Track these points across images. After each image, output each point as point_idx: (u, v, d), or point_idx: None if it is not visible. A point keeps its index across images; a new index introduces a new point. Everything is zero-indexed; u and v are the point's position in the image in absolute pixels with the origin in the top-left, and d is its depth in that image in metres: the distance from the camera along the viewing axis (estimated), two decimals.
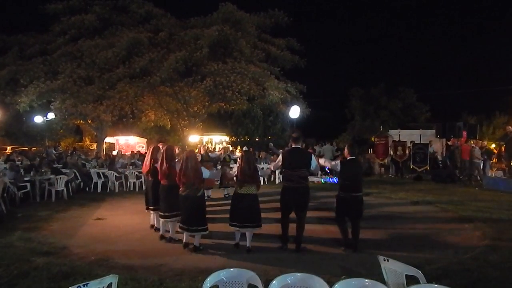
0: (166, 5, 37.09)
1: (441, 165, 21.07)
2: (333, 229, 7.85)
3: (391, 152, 20.75)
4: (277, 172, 17.00)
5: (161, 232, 8.11)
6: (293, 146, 7.44)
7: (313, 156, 7.54)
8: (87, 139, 37.65)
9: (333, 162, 8.13)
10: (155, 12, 22.67)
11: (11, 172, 12.63)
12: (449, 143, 18.85)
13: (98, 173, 15.51)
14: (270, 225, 8.17)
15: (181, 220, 7.29)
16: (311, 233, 7.97)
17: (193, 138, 27.78)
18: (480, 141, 21.36)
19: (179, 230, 7.45)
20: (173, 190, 7.53)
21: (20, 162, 16.10)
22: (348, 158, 7.45)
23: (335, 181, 8.09)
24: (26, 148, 28.15)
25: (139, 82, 19.94)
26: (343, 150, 8.02)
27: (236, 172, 7.35)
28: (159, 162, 7.89)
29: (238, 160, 8.01)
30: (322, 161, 8.39)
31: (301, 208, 7.20)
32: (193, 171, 7.06)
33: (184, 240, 7.31)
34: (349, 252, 7.05)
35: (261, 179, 8.14)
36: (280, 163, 7.37)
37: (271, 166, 8.18)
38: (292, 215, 7.28)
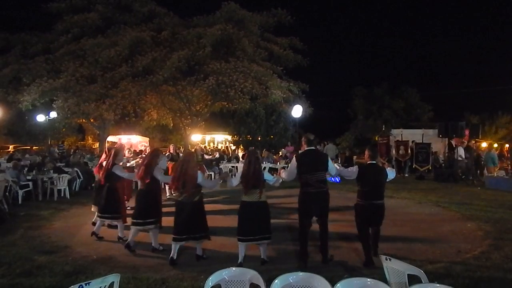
0: (169, 4, 37.27)
1: (443, 165, 21.05)
2: (335, 228, 7.85)
3: (394, 152, 20.73)
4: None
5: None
6: (306, 148, 6.71)
7: (329, 158, 6.80)
8: (89, 138, 37.75)
9: (342, 168, 7.51)
10: (158, 11, 22.67)
11: (13, 171, 12.65)
12: (453, 142, 18.82)
13: None
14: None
15: (176, 231, 6.56)
16: (311, 233, 7.98)
17: (196, 137, 27.82)
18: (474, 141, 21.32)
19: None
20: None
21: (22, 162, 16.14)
22: (368, 163, 6.81)
23: (337, 180, 7.51)
24: (28, 147, 28.23)
25: (141, 81, 19.94)
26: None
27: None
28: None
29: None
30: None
31: (324, 214, 6.54)
32: (187, 176, 6.43)
33: (171, 254, 6.54)
34: (353, 250, 7.04)
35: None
36: (295, 169, 6.54)
37: (282, 175, 6.94)
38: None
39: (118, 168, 7.91)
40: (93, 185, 11.83)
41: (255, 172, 6.35)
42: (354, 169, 6.76)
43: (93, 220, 9.04)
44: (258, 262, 6.47)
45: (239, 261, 6.36)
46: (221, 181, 7.72)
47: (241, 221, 6.39)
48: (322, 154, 7.40)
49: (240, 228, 6.38)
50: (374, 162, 6.84)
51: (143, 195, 7.21)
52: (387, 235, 8.21)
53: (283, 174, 6.94)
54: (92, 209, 9.22)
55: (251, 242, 6.40)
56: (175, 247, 6.50)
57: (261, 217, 6.34)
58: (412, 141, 20.82)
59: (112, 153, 8.00)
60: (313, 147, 6.81)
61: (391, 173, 6.86)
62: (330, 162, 6.60)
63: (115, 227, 8.39)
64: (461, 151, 18.16)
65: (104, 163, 8.34)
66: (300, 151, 7.14)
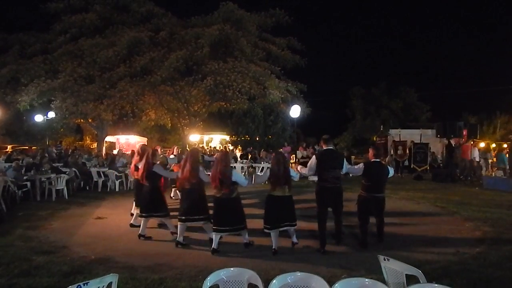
0: (167, 4, 37.24)
1: (441, 165, 21.08)
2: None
3: (392, 152, 20.76)
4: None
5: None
6: (324, 147, 7.45)
7: (344, 158, 7.68)
8: (87, 138, 37.66)
9: (350, 166, 7.96)
10: (156, 11, 22.68)
11: (12, 171, 12.64)
12: (452, 142, 18.87)
13: (98, 172, 15.51)
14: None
15: (214, 222, 7.10)
16: (311, 232, 7.98)
17: (194, 137, 27.80)
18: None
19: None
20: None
21: (21, 161, 16.10)
22: (372, 160, 7.60)
23: None
24: (27, 147, 28.16)
25: (139, 81, 19.95)
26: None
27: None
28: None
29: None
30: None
31: (339, 207, 7.31)
32: (223, 175, 6.92)
33: (213, 245, 7.05)
34: (352, 250, 7.06)
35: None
36: (314, 166, 7.23)
37: (301, 171, 7.75)
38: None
39: (158, 167, 8.26)
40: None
41: (285, 171, 7.02)
42: (361, 166, 7.55)
43: (131, 222, 9.07)
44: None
45: (274, 247, 7.00)
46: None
47: (269, 213, 7.07)
48: (339, 154, 8.14)
49: (269, 219, 7.03)
50: (378, 160, 7.66)
51: (189, 193, 7.46)
52: (385, 234, 8.23)
53: (303, 170, 7.70)
54: (135, 211, 9.20)
55: (277, 229, 7.00)
56: (216, 238, 7.04)
57: (289, 208, 7.07)
58: (411, 141, 20.86)
59: (150, 153, 8.21)
60: (331, 147, 7.52)
61: (391, 170, 7.81)
62: (345, 162, 7.46)
63: (163, 225, 8.62)
64: (475, 153, 18.22)
65: (139, 165, 8.49)
66: (318, 150, 7.82)
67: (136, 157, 9.01)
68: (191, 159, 7.49)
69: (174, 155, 13.66)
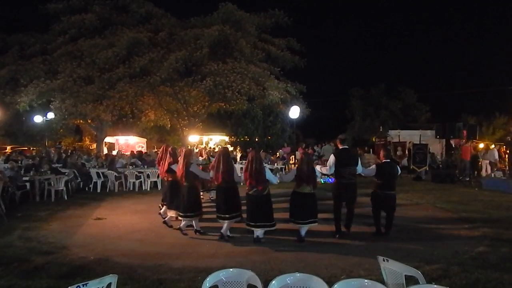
0: (166, 5, 37.17)
1: (440, 166, 21.09)
2: (331, 229, 7.89)
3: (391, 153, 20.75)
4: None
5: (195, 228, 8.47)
6: (340, 147, 8.27)
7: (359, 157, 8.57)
8: (87, 139, 37.58)
9: (363, 168, 8.51)
10: (155, 12, 22.70)
11: (11, 172, 12.62)
12: (452, 143, 18.87)
13: (97, 173, 15.50)
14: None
15: (250, 219, 7.62)
16: (312, 232, 7.98)
17: (193, 138, 27.79)
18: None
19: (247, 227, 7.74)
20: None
21: (20, 162, 16.10)
22: (383, 161, 8.33)
23: (330, 180, 8.65)
24: (25, 148, 28.13)
25: (139, 82, 19.96)
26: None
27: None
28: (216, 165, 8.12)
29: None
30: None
31: (352, 200, 8.11)
32: (259, 173, 7.45)
33: (254, 235, 7.65)
34: (351, 251, 7.06)
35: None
36: (332, 163, 7.97)
37: (322, 170, 8.46)
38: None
39: (195, 167, 8.58)
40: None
41: (313, 170, 7.75)
42: (373, 167, 8.36)
43: (165, 220, 9.14)
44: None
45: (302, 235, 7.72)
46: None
47: (295, 208, 7.69)
48: (354, 153, 9.02)
49: (293, 213, 7.72)
50: (389, 160, 8.44)
51: (224, 191, 7.94)
52: (384, 236, 8.24)
53: (324, 169, 8.39)
54: (171, 214, 9.09)
55: (303, 225, 7.66)
56: (255, 232, 7.62)
57: (313, 204, 7.67)
58: (409, 142, 20.87)
59: (184, 153, 8.35)
60: (346, 146, 8.34)
61: (399, 169, 8.55)
62: (359, 161, 8.22)
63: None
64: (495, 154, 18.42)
65: (173, 165, 8.73)
66: (335, 149, 8.71)
67: (168, 159, 8.96)
68: (224, 159, 7.89)
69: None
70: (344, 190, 8.01)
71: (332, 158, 8.07)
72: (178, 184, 8.54)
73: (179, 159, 8.60)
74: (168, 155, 8.95)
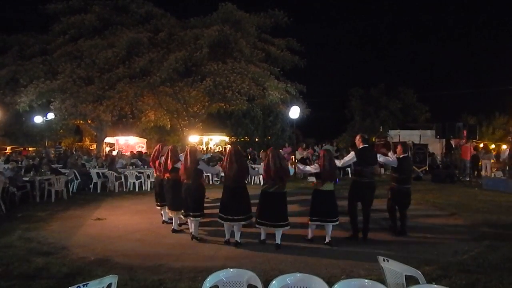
0: (166, 5, 37.18)
1: (440, 166, 21.10)
2: (336, 229, 7.88)
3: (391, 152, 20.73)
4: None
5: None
6: (361, 145, 8.02)
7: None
8: (87, 139, 37.64)
9: (387, 158, 8.52)
10: (155, 12, 22.69)
11: (11, 172, 12.63)
12: (452, 143, 18.88)
13: (97, 173, 15.50)
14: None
15: (261, 216, 7.37)
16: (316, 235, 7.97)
17: (193, 138, 27.79)
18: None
19: (257, 226, 7.49)
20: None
21: (20, 162, 16.10)
22: (401, 156, 8.28)
23: (337, 181, 8.36)
24: (22, 148, 28.14)
25: (139, 82, 19.94)
26: (351, 149, 8.67)
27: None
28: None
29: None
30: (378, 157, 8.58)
31: (369, 202, 7.95)
32: (283, 170, 7.30)
33: (261, 237, 7.59)
34: (351, 251, 7.06)
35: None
36: (351, 160, 7.91)
37: (338, 162, 8.09)
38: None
39: (203, 164, 8.40)
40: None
41: (335, 167, 7.63)
42: (395, 159, 8.27)
43: (171, 223, 8.85)
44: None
45: (328, 240, 7.52)
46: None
47: (316, 206, 7.53)
48: (374, 152, 8.70)
49: (316, 212, 7.52)
50: (407, 154, 8.54)
51: (233, 192, 7.52)
52: (384, 235, 8.25)
53: (338, 162, 8.01)
54: (172, 214, 8.75)
55: (324, 223, 7.50)
56: (263, 232, 7.57)
57: (334, 202, 7.53)
58: (409, 141, 20.87)
59: (191, 151, 8.04)
60: (367, 145, 8.16)
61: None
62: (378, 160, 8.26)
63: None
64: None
65: (176, 164, 8.37)
66: (356, 147, 8.22)
67: (172, 157, 8.54)
68: (236, 157, 7.56)
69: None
70: (364, 190, 7.89)
71: (352, 155, 7.93)
72: (180, 183, 8.17)
73: (183, 156, 8.30)
74: (171, 153, 8.61)
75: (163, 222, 9.41)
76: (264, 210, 7.36)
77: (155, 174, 10.26)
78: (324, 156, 7.53)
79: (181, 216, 8.35)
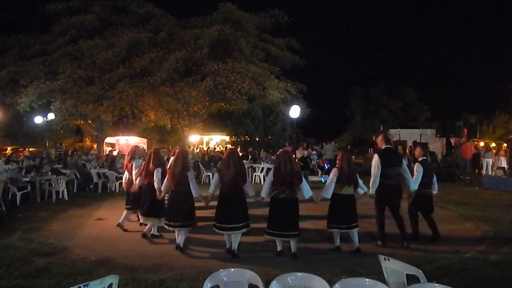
0: (166, 5, 37.23)
1: (441, 165, 21.08)
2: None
3: None
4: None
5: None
6: (384, 146, 7.61)
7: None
8: (87, 140, 37.63)
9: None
10: (155, 12, 22.68)
11: (11, 173, 12.63)
12: (452, 141, 18.88)
13: (98, 174, 15.50)
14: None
15: (272, 226, 6.75)
16: (312, 232, 7.97)
17: (194, 138, 27.81)
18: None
19: (268, 237, 6.88)
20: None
21: (21, 163, 16.12)
22: (421, 159, 8.01)
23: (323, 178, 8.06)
24: (21, 149, 28.13)
25: (139, 82, 19.95)
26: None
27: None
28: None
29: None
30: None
31: (398, 205, 7.48)
32: (295, 173, 6.71)
33: (278, 248, 6.87)
34: (352, 250, 7.05)
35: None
36: (377, 163, 7.28)
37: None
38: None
39: (192, 174, 7.45)
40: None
41: (354, 169, 7.16)
42: (420, 168, 7.76)
43: (145, 232, 8.18)
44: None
45: (336, 245, 7.11)
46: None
47: (335, 211, 7.04)
48: (398, 153, 8.44)
49: (335, 218, 7.02)
50: (425, 157, 8.17)
51: (230, 197, 6.87)
52: (385, 235, 8.23)
53: (373, 171, 7.42)
54: (146, 221, 8.21)
55: (346, 230, 7.01)
56: (279, 243, 6.88)
57: (354, 207, 7.09)
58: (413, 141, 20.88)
59: (182, 155, 7.37)
60: (389, 145, 7.69)
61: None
62: (403, 161, 7.73)
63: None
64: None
65: (160, 168, 7.84)
66: (378, 148, 7.90)
67: (154, 161, 7.99)
68: (235, 160, 6.93)
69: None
70: (391, 193, 7.34)
71: (376, 158, 7.35)
72: (154, 189, 7.73)
73: (171, 160, 7.88)
74: (154, 156, 8.01)
75: (140, 224, 8.92)
76: (275, 219, 6.74)
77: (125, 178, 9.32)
78: (343, 158, 7.11)
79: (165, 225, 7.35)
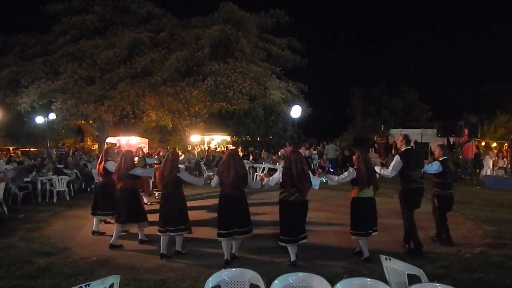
0: (167, 5, 37.27)
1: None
2: (338, 229, 7.86)
3: (393, 152, 20.72)
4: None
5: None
6: (404, 147, 7.20)
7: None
8: (88, 140, 37.66)
9: (429, 166, 7.77)
10: (156, 12, 22.72)
11: (14, 172, 12.64)
12: (451, 141, 18.87)
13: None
14: (267, 227, 8.20)
15: (285, 232, 6.37)
16: (312, 232, 7.96)
17: (195, 138, 27.80)
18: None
19: (281, 244, 6.46)
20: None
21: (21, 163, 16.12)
22: (441, 159, 7.66)
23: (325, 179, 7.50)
24: (20, 149, 28.15)
25: (140, 82, 19.97)
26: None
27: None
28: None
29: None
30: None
31: (419, 206, 7.26)
32: (304, 174, 6.32)
33: (292, 259, 6.41)
34: (353, 250, 7.04)
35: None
36: (397, 165, 6.93)
37: (381, 172, 7.07)
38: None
39: (185, 173, 7.26)
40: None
41: (372, 169, 6.73)
42: (438, 164, 7.57)
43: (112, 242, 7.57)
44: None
45: (366, 256, 6.58)
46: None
47: (358, 217, 6.64)
48: (420, 154, 8.08)
49: (358, 224, 6.61)
50: (446, 157, 7.81)
51: (232, 201, 6.52)
52: (386, 234, 8.24)
53: (383, 171, 7.13)
54: (121, 227, 7.64)
55: (367, 233, 6.60)
56: (292, 250, 6.41)
57: (375, 210, 6.73)
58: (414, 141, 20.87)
59: (173, 156, 7.06)
60: (409, 147, 7.36)
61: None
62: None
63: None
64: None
65: (134, 171, 7.54)
66: (399, 149, 7.50)
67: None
68: (235, 162, 6.57)
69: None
70: (417, 196, 7.08)
71: (397, 160, 6.97)
72: (136, 192, 7.65)
73: (162, 161, 7.42)
74: (125, 159, 7.57)
75: (93, 233, 8.54)
76: (286, 223, 6.37)
77: (99, 179, 8.99)
78: (359, 158, 6.65)
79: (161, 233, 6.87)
